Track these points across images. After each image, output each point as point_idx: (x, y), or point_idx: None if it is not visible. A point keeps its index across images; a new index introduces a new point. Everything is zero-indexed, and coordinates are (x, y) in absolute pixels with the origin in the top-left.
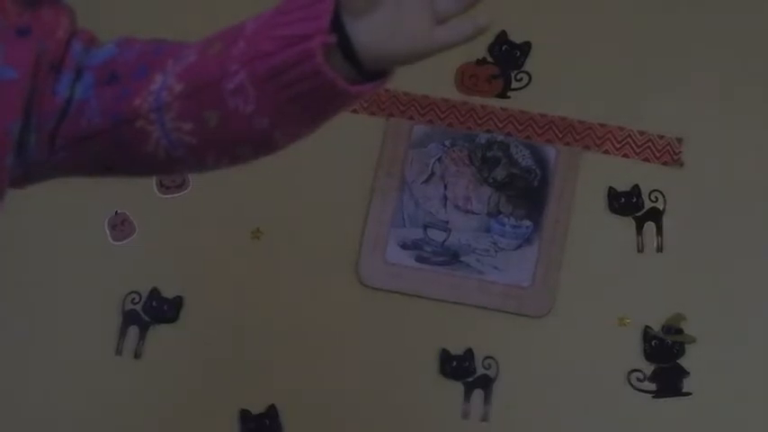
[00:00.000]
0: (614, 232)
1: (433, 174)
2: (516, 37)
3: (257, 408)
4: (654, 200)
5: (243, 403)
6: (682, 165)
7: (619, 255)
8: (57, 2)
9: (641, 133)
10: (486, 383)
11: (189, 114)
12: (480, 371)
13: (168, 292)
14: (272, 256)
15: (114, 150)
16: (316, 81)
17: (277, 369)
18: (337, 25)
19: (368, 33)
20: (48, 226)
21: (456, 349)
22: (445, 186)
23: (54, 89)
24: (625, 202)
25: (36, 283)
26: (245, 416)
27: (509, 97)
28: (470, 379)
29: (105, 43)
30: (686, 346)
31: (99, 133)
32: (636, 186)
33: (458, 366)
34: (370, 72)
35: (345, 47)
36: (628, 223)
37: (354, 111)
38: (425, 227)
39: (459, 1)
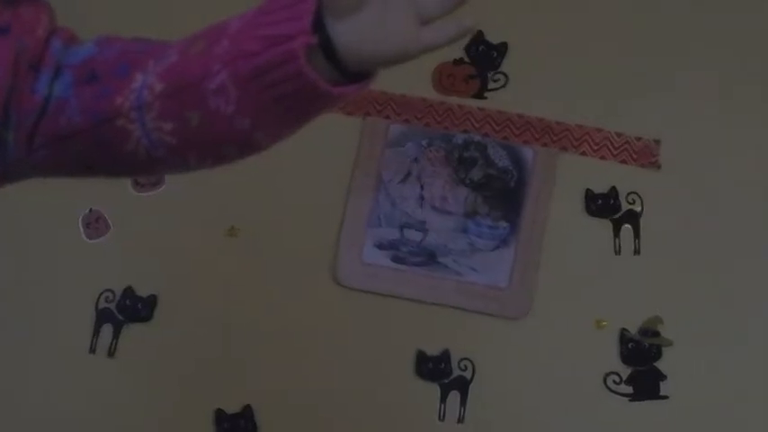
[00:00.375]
0: (591, 234)
1: (409, 174)
2: (493, 37)
3: (232, 407)
4: (631, 202)
5: (218, 403)
6: (659, 167)
7: (596, 257)
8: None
9: (619, 135)
10: (462, 385)
11: (170, 114)
12: (456, 372)
13: (142, 291)
14: (247, 255)
15: (95, 149)
16: (298, 82)
17: (252, 369)
18: (320, 26)
19: (352, 34)
20: (21, 223)
21: (432, 350)
22: (422, 186)
23: (33, 87)
24: (602, 204)
25: (9, 281)
26: (219, 416)
27: (486, 98)
28: (446, 380)
29: (85, 42)
30: (663, 348)
31: (79, 132)
32: (613, 188)
33: (434, 368)
34: (353, 73)
35: (327, 48)
36: (605, 225)
37: None
38: (402, 227)
39: (443, 2)
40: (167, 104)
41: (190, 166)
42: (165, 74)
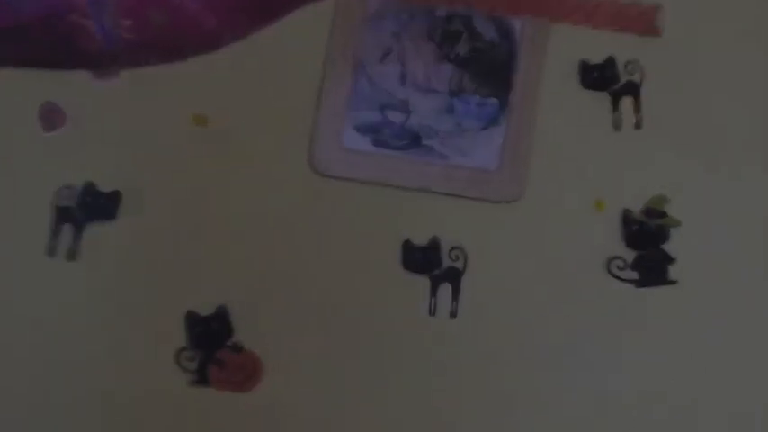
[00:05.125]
0: (588, 108)
1: (390, 51)
2: None
3: (205, 309)
4: (630, 72)
5: (189, 304)
6: (660, 34)
7: (594, 133)
8: None
9: (613, 0)
10: (453, 276)
11: (129, 11)
12: (447, 263)
13: (105, 186)
14: (217, 144)
15: (46, 42)
16: None
17: (226, 267)
18: None
19: None
20: None
21: (420, 240)
22: (403, 64)
23: None
24: (599, 76)
25: None
26: (191, 318)
27: None
28: (437, 272)
29: None
30: (670, 230)
31: (29, 25)
32: (610, 58)
33: (422, 259)
34: None
35: None
36: (602, 98)
37: None
38: (383, 108)
39: None
40: (126, 1)
41: (148, 63)
42: None
